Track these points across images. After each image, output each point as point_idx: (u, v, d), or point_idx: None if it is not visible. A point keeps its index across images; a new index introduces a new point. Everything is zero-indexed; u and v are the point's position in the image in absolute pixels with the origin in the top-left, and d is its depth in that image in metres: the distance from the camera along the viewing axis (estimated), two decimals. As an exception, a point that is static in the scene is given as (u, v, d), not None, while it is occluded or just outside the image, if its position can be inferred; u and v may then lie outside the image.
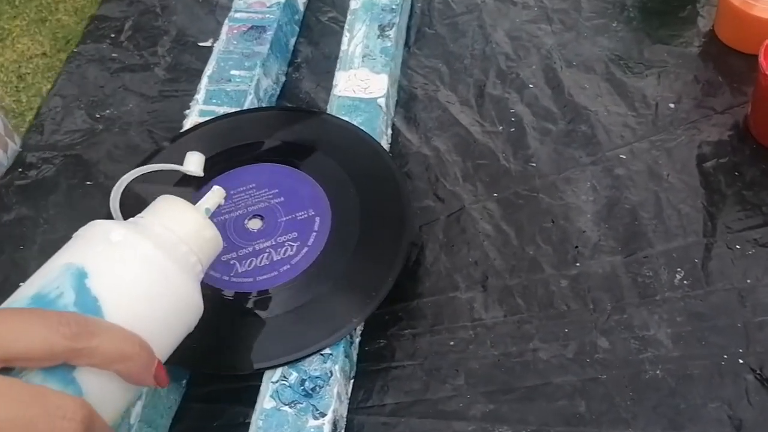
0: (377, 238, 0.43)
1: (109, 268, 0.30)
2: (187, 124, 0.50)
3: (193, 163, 0.37)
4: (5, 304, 0.29)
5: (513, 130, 0.53)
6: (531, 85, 0.55)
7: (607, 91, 0.54)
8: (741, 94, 0.53)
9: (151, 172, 0.39)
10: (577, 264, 0.46)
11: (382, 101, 0.50)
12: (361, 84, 0.50)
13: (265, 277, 0.41)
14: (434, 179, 0.51)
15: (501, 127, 0.53)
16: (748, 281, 0.44)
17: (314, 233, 0.43)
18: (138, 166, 0.46)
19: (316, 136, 0.47)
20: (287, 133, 0.48)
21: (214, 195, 0.37)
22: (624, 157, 0.50)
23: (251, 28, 0.55)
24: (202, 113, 0.50)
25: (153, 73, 0.59)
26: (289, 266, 0.42)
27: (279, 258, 0.42)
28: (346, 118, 0.49)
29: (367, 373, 0.42)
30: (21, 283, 0.31)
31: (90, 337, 0.27)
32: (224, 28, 0.56)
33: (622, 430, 0.39)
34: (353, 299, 0.40)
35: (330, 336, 0.39)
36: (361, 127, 0.48)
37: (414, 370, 0.42)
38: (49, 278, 0.30)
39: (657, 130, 0.52)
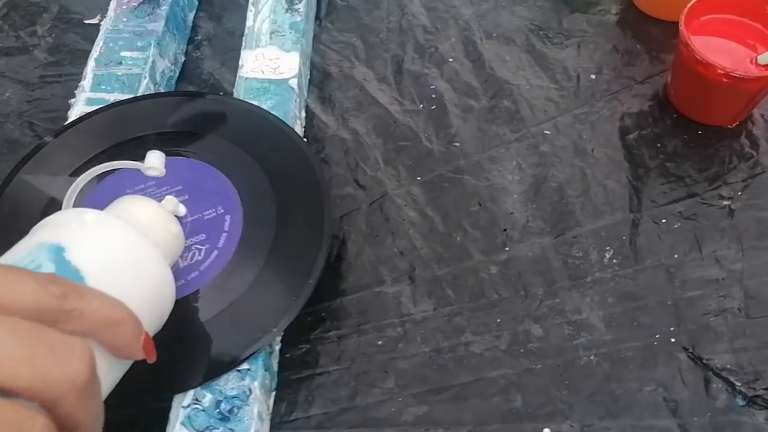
0: (295, 235, 0.39)
1: (88, 243, 0.28)
2: (73, 114, 0.44)
3: (154, 162, 0.33)
4: None
5: (434, 108, 0.50)
6: (451, 59, 0.53)
7: (528, 63, 0.52)
8: (660, 62, 0.52)
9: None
10: (507, 249, 0.44)
11: (293, 82, 0.46)
12: (270, 64, 0.46)
13: (170, 287, 0.37)
14: (354, 165, 0.47)
15: (422, 105, 0.50)
16: (675, 256, 0.43)
17: (224, 234, 0.39)
18: (21, 163, 0.41)
19: (222, 123, 0.43)
20: (188, 121, 0.43)
21: (170, 203, 0.36)
22: (548, 132, 0.49)
23: (143, 2, 0.50)
24: (89, 101, 0.45)
25: (32, 56, 0.53)
26: (197, 273, 0.37)
27: (185, 265, 0.38)
28: (255, 102, 0.44)
29: (290, 383, 0.39)
30: None
31: (79, 299, 0.24)
32: (112, 4, 0.50)
33: (560, 422, 0.38)
34: (271, 306, 0.37)
35: (247, 349, 0.35)
36: (272, 112, 0.44)
37: (340, 376, 0.39)
38: (21, 254, 0.27)
39: (579, 103, 0.50)
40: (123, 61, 0.47)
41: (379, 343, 0.40)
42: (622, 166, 0.47)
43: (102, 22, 0.50)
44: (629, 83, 0.51)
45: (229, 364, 0.35)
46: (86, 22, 0.55)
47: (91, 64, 0.47)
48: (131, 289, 0.28)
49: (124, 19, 0.49)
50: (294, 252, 0.38)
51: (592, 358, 0.40)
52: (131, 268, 0.29)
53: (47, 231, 0.28)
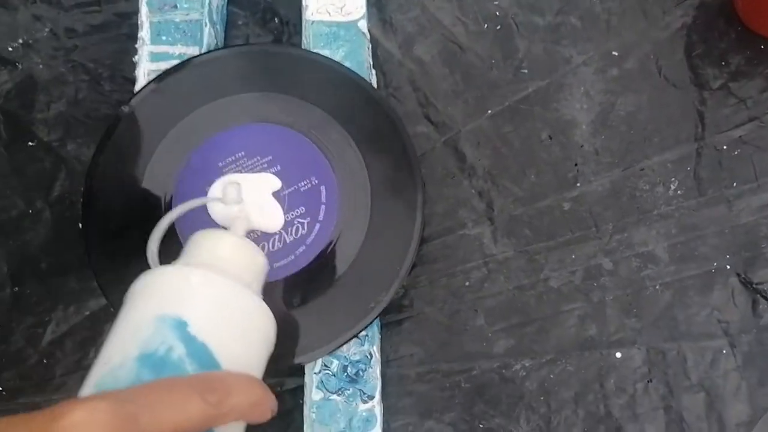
0: (391, 202, 0.41)
1: (204, 311, 0.30)
2: (140, 74, 0.43)
3: (233, 195, 0.35)
4: (108, 371, 0.27)
5: (499, 28, 0.49)
6: (512, -33, 0.50)
7: (592, -32, 0.50)
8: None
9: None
10: (578, 184, 0.46)
11: (362, 24, 0.44)
12: (336, 2, 0.44)
13: (282, 263, 0.40)
14: (424, 99, 0.47)
15: (486, 26, 0.49)
16: (734, 185, 0.46)
17: (323, 205, 0.41)
18: (104, 138, 0.41)
19: (300, 81, 0.42)
20: (266, 80, 0.42)
21: (232, 191, 0.36)
22: (616, 53, 0.48)
23: (181, -76, 0.45)
24: (153, 57, 0.43)
25: (64, -17, 0.49)
26: (304, 247, 0.40)
27: (292, 239, 0.40)
28: (326, 52, 0.43)
29: (391, 325, 0.44)
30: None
31: (228, 397, 0.26)
32: (148, -72, 0.46)
33: (629, 346, 0.44)
34: (379, 275, 0.40)
35: (363, 318, 0.39)
36: (346, 64, 0.43)
37: (435, 316, 0.44)
38: (146, 334, 0.28)
39: (646, 16, 0.49)
40: (177, 4, 0.44)
41: (467, 284, 0.45)
42: (688, 90, 0.48)
43: (141, -49, 0.46)
44: (695, -12, 0.50)
45: (349, 333, 0.39)
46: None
47: (144, 9, 0.44)
48: (250, 349, 0.31)
49: (167, -51, 0.45)
50: (394, 220, 0.41)
51: (657, 287, 0.44)
52: (245, 325, 0.31)
53: (156, 298, 0.30)
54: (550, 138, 0.47)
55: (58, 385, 0.41)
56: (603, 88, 0.48)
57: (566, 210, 0.46)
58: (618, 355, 0.43)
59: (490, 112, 0.47)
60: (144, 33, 0.43)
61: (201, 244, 0.33)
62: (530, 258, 0.45)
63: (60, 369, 0.42)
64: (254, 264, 0.34)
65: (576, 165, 0.47)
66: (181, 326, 0.28)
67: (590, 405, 0.42)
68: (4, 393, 0.41)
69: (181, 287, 0.30)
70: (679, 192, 0.46)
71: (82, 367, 0.42)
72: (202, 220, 0.39)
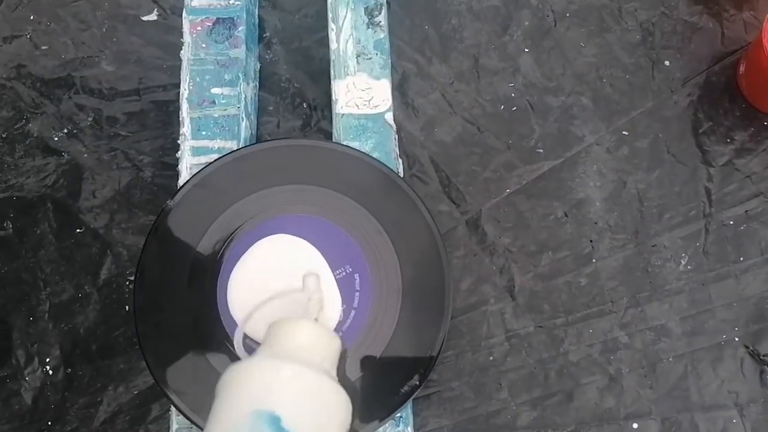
0: (421, 286, 0.44)
1: (295, 405, 0.33)
2: (183, 168, 0.46)
3: (313, 284, 0.41)
4: None
5: (514, 109, 0.52)
6: (526, 49, 0.53)
7: (602, 49, 0.53)
8: (732, 43, 0.53)
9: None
10: (593, 260, 0.49)
11: (389, 116, 0.47)
12: (363, 96, 0.47)
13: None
14: (446, 180, 0.50)
15: (502, 107, 0.52)
16: (741, 259, 0.49)
17: (357, 293, 0.43)
18: (152, 232, 0.44)
19: (332, 173, 0.45)
20: (299, 173, 0.45)
21: (313, 281, 0.42)
22: (626, 133, 0.51)
23: (216, 22, 0.48)
24: (194, 151, 0.46)
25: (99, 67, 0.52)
26: (341, 333, 0.43)
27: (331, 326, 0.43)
28: (356, 144, 0.46)
29: (420, 399, 0.46)
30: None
31: None
32: (185, 24, 0.49)
33: (645, 417, 0.46)
34: (412, 356, 0.43)
35: (398, 401, 0.42)
36: (374, 154, 0.46)
37: (462, 390, 0.47)
38: (244, 430, 0.32)
39: (654, 96, 0.52)
40: (216, 100, 0.47)
41: (491, 358, 0.47)
42: (695, 167, 0.50)
43: (181, 51, 0.48)
44: (701, 68, 0.52)
45: (388, 414, 0.42)
46: (144, 18, 0.53)
47: (184, 105, 0.47)
48: None
49: (203, 45, 0.48)
50: (423, 302, 0.44)
51: (670, 359, 0.47)
52: (329, 414, 0.34)
53: (251, 393, 0.33)
54: (566, 215, 0.50)
55: (111, 464, 0.44)
56: (615, 166, 0.51)
57: (583, 285, 0.48)
58: (635, 425, 0.46)
59: (508, 191, 0.50)
60: (185, 129, 0.46)
61: (283, 333, 0.36)
62: (550, 332, 0.48)
63: (112, 448, 0.44)
64: (332, 348, 0.37)
65: (591, 241, 0.49)
66: (275, 420, 0.32)
67: (610, 475, 0.45)
68: (61, 473, 0.44)
69: (272, 381, 0.33)
70: (689, 267, 0.49)
71: (132, 445, 0.45)
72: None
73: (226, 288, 0.43)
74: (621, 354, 0.47)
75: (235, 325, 0.42)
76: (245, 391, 0.33)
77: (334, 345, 0.37)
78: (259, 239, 0.43)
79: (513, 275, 0.49)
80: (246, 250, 0.44)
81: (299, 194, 0.45)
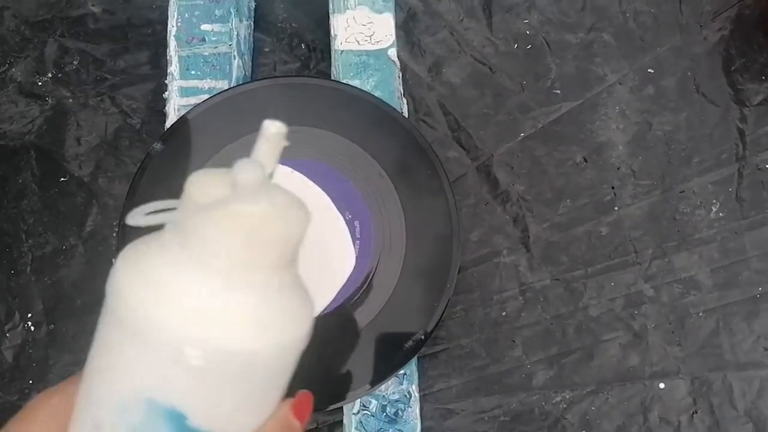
0: (426, 235, 0.40)
1: (204, 398, 0.23)
2: (171, 110, 0.43)
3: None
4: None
5: (529, 47, 0.48)
6: (542, -16, 0.49)
7: (625, -18, 0.49)
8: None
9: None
10: (616, 208, 0.45)
11: (392, 53, 0.43)
12: (364, 30, 0.43)
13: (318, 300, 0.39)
14: (454, 124, 0.47)
15: (516, 45, 0.48)
16: (779, 205, 0.45)
17: (357, 241, 0.40)
18: (137, 176, 0.41)
19: (330, 114, 0.41)
20: (295, 114, 0.42)
21: (269, 141, 0.23)
22: (651, 70, 0.47)
23: (206, -46, 0.45)
24: (183, 92, 0.43)
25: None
26: (344, 283, 0.39)
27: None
28: (356, 82, 0.43)
29: (427, 358, 0.43)
30: None
31: None
32: (171, -43, 0.45)
33: (673, 377, 0.42)
34: (416, 310, 0.39)
35: (401, 357, 0.39)
36: (376, 93, 0.42)
37: (472, 348, 0.43)
38: (132, 422, 0.23)
39: (682, 30, 0.48)
40: (206, 37, 0.44)
41: (503, 314, 0.44)
42: (727, 107, 0.46)
43: (167, -18, 0.45)
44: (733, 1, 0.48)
45: (390, 372, 0.38)
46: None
47: (172, 43, 0.44)
48: (267, 394, 0.25)
49: (192, -22, 0.44)
50: (428, 251, 0.40)
51: (700, 314, 0.43)
52: (251, 388, 0.24)
53: (144, 379, 0.22)
54: (585, 160, 0.46)
55: (97, 425, 0.41)
56: (639, 107, 0.46)
57: (604, 235, 0.45)
58: (661, 385, 0.42)
59: (522, 135, 0.46)
60: (173, 68, 0.43)
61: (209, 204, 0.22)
62: (568, 286, 0.44)
63: (98, 408, 0.42)
64: (293, 229, 0.23)
65: (613, 188, 0.45)
66: (178, 418, 0.23)
67: (634, 438, 0.42)
68: (43, 433, 0.41)
69: (170, 367, 0.22)
70: (720, 214, 0.45)
71: (119, 405, 0.42)
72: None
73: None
74: (646, 308, 0.43)
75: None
76: (135, 371, 0.22)
77: (298, 220, 0.24)
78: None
79: (527, 225, 0.45)
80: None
81: (295, 136, 0.41)
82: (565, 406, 0.42)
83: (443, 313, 0.39)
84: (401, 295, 0.39)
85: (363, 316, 0.39)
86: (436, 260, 0.40)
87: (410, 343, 0.39)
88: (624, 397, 0.42)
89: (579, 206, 0.45)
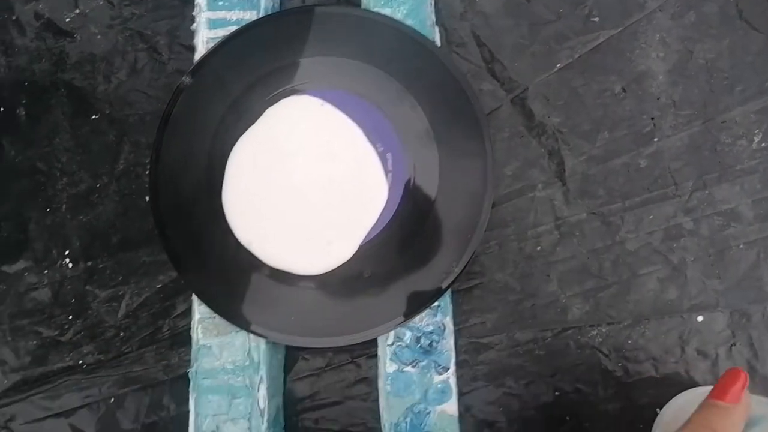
0: (459, 167, 0.40)
1: None
2: (199, 42, 0.42)
3: None
4: None
5: (566, -26, 0.46)
6: None
7: None
8: None
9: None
10: (655, 139, 0.44)
11: (424, -21, 0.42)
12: (394, -43, 0.42)
13: (351, 233, 0.39)
14: (488, 55, 0.45)
15: (552, -28, 0.46)
16: (827, 134, 0.43)
17: (389, 174, 0.39)
18: (168, 109, 0.40)
19: (360, 43, 0.41)
20: (325, 44, 0.41)
21: None
22: (695, -4, 0.45)
23: None
24: (211, 23, 0.42)
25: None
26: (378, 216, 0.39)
27: (360, 209, 0.39)
28: (387, 11, 0.41)
29: (461, 293, 0.43)
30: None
31: None
32: None
33: (712, 310, 0.42)
34: (449, 243, 0.39)
35: (435, 287, 0.38)
36: (408, 23, 0.41)
37: (506, 282, 0.43)
38: None
39: (728, -49, 0.45)
40: (233, -33, 0.42)
41: (538, 248, 0.43)
42: (773, 33, 0.44)
43: None
44: None
45: (423, 305, 0.38)
46: None
47: (198, -26, 0.43)
48: None
49: None
50: (461, 185, 0.39)
51: (741, 246, 0.42)
52: None
53: None
54: (624, 91, 0.44)
55: (135, 358, 0.42)
56: (680, 34, 0.45)
57: (643, 167, 0.43)
58: (699, 318, 0.42)
59: (559, 65, 0.45)
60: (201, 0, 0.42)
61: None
62: (605, 220, 0.43)
63: (136, 343, 0.42)
64: None
65: (652, 119, 0.44)
66: None
67: (671, 370, 0.41)
68: (84, 366, 0.42)
69: None
70: (763, 144, 0.43)
71: (156, 341, 0.42)
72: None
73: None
74: (685, 241, 0.42)
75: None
76: None
77: None
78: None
79: (563, 158, 0.44)
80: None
81: (325, 67, 0.41)
82: (601, 339, 0.42)
83: (477, 245, 0.39)
84: (434, 227, 0.39)
85: (396, 249, 0.39)
86: (470, 193, 0.39)
87: (443, 275, 0.38)
88: (661, 331, 0.42)
89: (617, 138, 0.44)
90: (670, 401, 0.40)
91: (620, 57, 0.45)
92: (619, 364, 0.41)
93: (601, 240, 0.43)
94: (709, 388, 0.38)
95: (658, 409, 0.40)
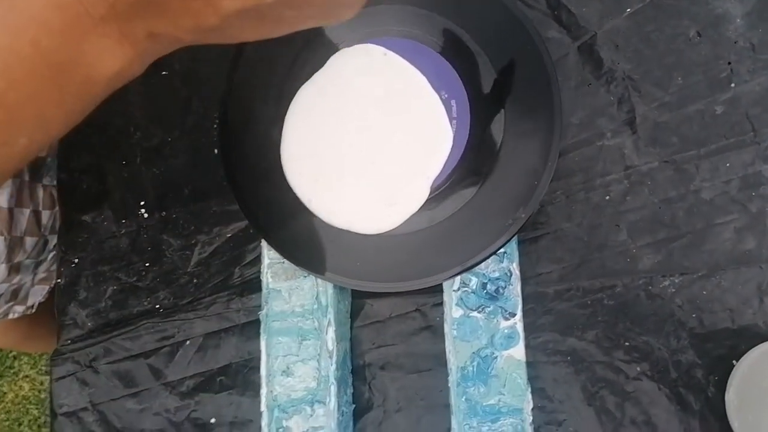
0: (526, 113, 0.39)
1: None
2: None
3: None
4: None
5: None
6: None
7: None
8: None
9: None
10: (732, 84, 0.42)
11: (488, -77, 0.41)
12: None
13: (417, 180, 0.39)
14: (554, 1, 0.44)
15: None
16: None
17: (454, 120, 0.39)
18: (231, 64, 0.41)
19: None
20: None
21: None
22: (778, -67, 0.43)
23: None
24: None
25: None
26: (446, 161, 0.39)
27: (426, 155, 0.39)
28: (451, -43, 0.41)
29: (528, 242, 0.42)
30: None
31: None
32: None
33: (793, 260, 0.40)
34: (515, 190, 0.38)
35: (501, 234, 0.38)
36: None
37: (574, 232, 0.42)
38: None
39: None
40: None
41: (607, 197, 0.42)
42: None
43: None
44: None
45: (489, 249, 0.38)
46: None
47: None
48: None
49: None
50: (527, 132, 0.39)
51: (826, 195, 0.40)
52: None
53: None
54: (699, 35, 0.43)
55: (208, 303, 0.43)
56: (762, -26, 0.42)
57: (719, 114, 0.42)
58: (779, 269, 0.40)
59: (629, 10, 0.43)
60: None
61: None
62: (678, 168, 0.42)
63: (208, 289, 0.44)
64: None
65: (729, 64, 0.42)
66: None
67: (748, 322, 0.40)
68: (161, 310, 0.44)
69: None
70: None
71: (227, 287, 0.44)
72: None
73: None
74: (764, 189, 0.41)
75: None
76: None
77: None
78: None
79: (634, 105, 0.43)
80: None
81: (387, 15, 0.41)
82: (673, 290, 0.41)
83: (544, 192, 0.38)
84: (500, 175, 0.39)
85: (462, 196, 0.39)
86: (536, 140, 0.39)
87: (510, 221, 0.38)
88: (738, 281, 0.40)
89: (691, 84, 0.42)
90: (748, 353, 0.38)
91: (695, 0, 0.43)
92: (693, 315, 0.40)
93: (674, 189, 0.42)
94: (789, 339, 0.37)
95: (734, 361, 0.39)
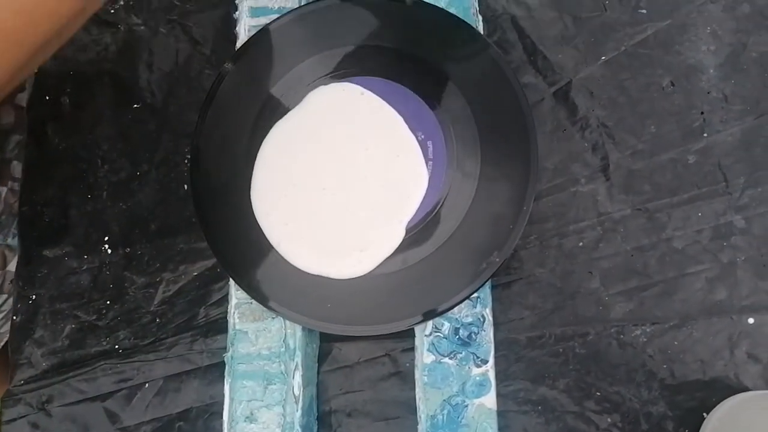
0: (502, 156, 0.39)
1: None
2: (241, 30, 0.42)
3: None
4: None
5: (613, -34, 0.45)
6: None
7: None
8: None
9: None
10: (704, 134, 0.42)
11: (467, -33, 0.41)
12: (438, -54, 0.41)
13: (390, 222, 0.38)
14: (531, 47, 0.44)
15: (598, -36, 0.45)
16: None
17: (430, 162, 0.39)
18: (208, 98, 0.40)
19: (402, 31, 0.40)
20: (366, 31, 0.40)
21: None
22: (748, -12, 0.43)
23: None
24: (252, 12, 0.42)
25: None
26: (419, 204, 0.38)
27: (399, 198, 0.39)
28: None
29: (500, 288, 0.42)
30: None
31: None
32: None
33: (764, 312, 0.40)
34: (490, 233, 0.38)
35: (474, 279, 0.37)
36: (451, 10, 0.40)
37: (547, 278, 0.42)
38: None
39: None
40: (275, -43, 0.42)
41: (580, 244, 0.42)
42: (833, 25, 0.42)
43: None
44: None
45: (461, 295, 0.37)
46: None
47: (241, -38, 0.43)
48: None
49: None
50: (503, 175, 0.38)
51: (795, 247, 0.40)
52: None
53: None
54: (673, 85, 0.43)
55: (171, 344, 0.42)
56: (733, 27, 0.43)
57: (691, 163, 0.42)
58: (750, 320, 0.40)
59: (604, 58, 0.44)
60: (242, -12, 0.42)
61: None
62: (650, 216, 0.42)
63: (171, 329, 0.42)
64: None
65: (702, 113, 0.43)
66: None
67: (719, 373, 0.39)
68: (120, 351, 0.42)
69: None
70: (822, 141, 0.41)
71: (191, 327, 0.42)
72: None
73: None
74: (736, 240, 0.41)
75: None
76: None
77: None
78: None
79: (608, 152, 0.43)
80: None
81: (366, 54, 0.40)
82: (645, 339, 0.40)
83: (519, 235, 0.38)
84: (475, 217, 0.38)
85: (436, 238, 0.38)
86: (512, 183, 0.38)
87: (484, 265, 0.37)
88: (709, 332, 0.40)
89: (664, 133, 0.42)
90: (718, 406, 0.38)
91: (669, 50, 0.43)
92: (664, 366, 0.40)
93: (647, 237, 0.41)
94: (760, 392, 0.37)
95: (705, 414, 0.39)
